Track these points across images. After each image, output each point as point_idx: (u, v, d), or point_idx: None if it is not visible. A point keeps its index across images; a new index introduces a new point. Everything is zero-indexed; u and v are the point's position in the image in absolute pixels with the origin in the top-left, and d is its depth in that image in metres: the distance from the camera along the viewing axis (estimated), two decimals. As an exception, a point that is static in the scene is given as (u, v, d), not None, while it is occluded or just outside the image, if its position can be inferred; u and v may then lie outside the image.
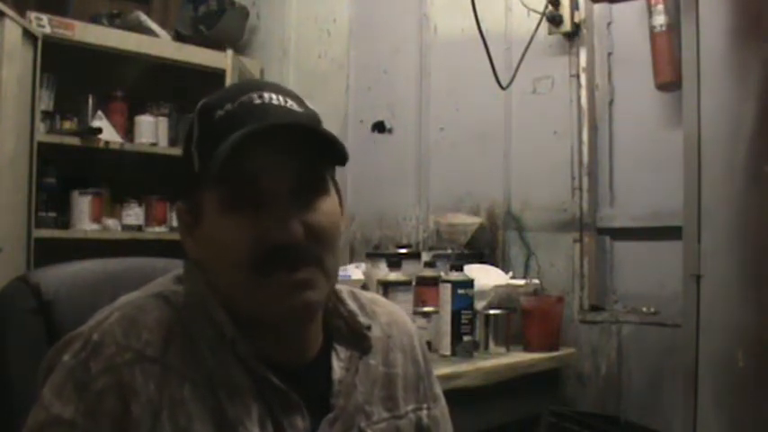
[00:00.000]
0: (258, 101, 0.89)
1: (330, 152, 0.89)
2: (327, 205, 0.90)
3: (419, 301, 2.22)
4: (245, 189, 0.86)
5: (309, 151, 0.88)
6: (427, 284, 2.25)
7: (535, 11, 2.71)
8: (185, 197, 0.93)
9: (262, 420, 0.86)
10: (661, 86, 2.46)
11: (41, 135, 2.84)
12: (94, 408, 0.81)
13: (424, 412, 1.04)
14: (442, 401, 1.10)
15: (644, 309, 2.55)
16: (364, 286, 2.33)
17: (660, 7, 2.42)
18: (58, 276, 1.11)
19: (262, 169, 0.86)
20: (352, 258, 3.06)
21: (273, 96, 0.90)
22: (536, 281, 2.61)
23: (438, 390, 1.10)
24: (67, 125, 3.00)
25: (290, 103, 0.91)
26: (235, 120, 0.87)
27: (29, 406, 0.85)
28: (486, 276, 2.42)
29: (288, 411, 0.88)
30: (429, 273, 2.30)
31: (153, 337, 0.84)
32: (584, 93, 2.70)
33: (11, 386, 1.02)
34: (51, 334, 1.02)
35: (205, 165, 0.87)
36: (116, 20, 3.20)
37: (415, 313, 2.17)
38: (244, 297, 0.87)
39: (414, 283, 2.25)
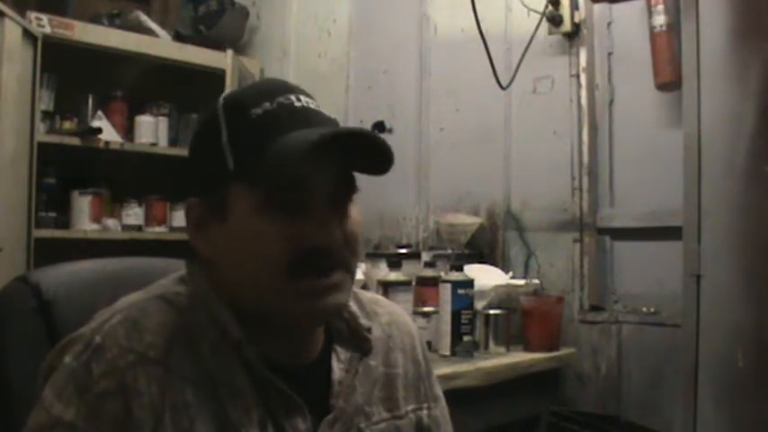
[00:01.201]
0: (298, 103, 0.89)
1: (375, 160, 0.90)
2: (355, 212, 0.93)
3: (419, 301, 2.22)
4: (288, 192, 0.86)
5: (346, 158, 0.89)
6: (427, 284, 2.25)
7: (535, 11, 2.71)
8: (205, 193, 0.91)
9: (263, 423, 0.86)
10: (661, 86, 2.46)
11: (41, 135, 2.84)
12: (96, 410, 0.80)
13: (425, 412, 1.04)
14: (443, 402, 1.10)
15: (644, 309, 2.54)
16: (364, 286, 2.33)
17: (660, 7, 2.41)
18: (58, 276, 1.11)
19: (307, 174, 0.87)
20: (353, 258, 3.05)
21: (308, 100, 0.91)
22: (536, 281, 2.61)
23: (438, 390, 1.10)
24: (67, 125, 3.00)
25: (318, 107, 0.92)
26: (279, 120, 0.87)
27: (28, 406, 0.85)
28: (486, 276, 2.42)
29: (290, 414, 0.88)
30: (429, 273, 2.30)
31: (155, 339, 0.84)
32: (584, 93, 2.70)
33: (10, 386, 1.01)
34: (51, 334, 1.02)
35: (243, 162, 0.86)
36: (116, 20, 3.20)
37: (415, 313, 2.17)
38: (272, 297, 0.87)
39: (414, 283, 2.25)
